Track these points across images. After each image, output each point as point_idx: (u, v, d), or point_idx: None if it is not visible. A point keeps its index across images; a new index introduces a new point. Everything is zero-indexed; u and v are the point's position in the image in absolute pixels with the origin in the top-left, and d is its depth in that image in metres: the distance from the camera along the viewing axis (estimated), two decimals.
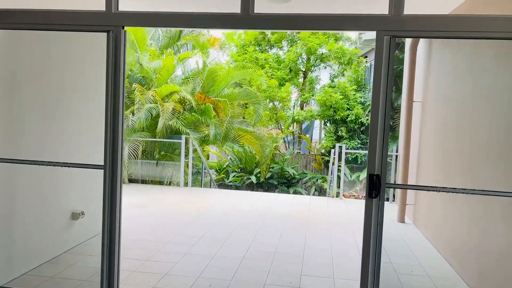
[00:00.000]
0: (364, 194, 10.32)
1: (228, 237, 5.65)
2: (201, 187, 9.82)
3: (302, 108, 15.59)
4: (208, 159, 16.55)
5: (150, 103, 9.10)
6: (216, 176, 14.26)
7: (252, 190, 14.05)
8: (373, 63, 16.10)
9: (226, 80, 10.38)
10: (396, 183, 8.04)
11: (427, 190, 5.62)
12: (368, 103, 13.67)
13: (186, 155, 9.29)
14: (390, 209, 7.44)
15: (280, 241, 5.58)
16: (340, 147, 8.99)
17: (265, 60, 14.72)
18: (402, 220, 6.93)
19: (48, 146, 4.29)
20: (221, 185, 14.72)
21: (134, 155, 8.85)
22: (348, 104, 13.51)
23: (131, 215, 6.62)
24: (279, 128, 15.20)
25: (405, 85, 8.29)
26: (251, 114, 14.79)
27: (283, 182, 14.17)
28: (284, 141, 15.74)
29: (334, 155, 9.15)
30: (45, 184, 4.34)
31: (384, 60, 2.96)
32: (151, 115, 8.67)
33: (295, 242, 5.60)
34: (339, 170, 9.26)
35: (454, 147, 5.29)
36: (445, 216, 5.41)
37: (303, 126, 16.75)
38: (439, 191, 5.33)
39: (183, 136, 9.07)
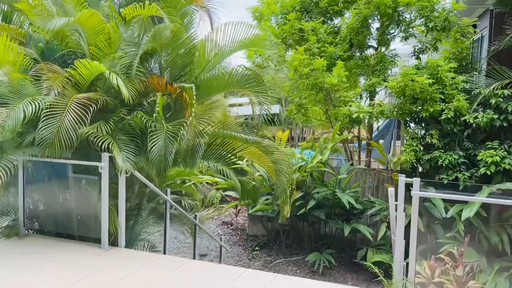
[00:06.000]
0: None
1: None
2: (163, 253, 5.53)
3: (371, 100, 10.52)
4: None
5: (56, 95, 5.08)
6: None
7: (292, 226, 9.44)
8: (486, 34, 10.36)
9: (212, 56, 5.98)
10: None
11: None
12: (479, 90, 8.17)
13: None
14: None
15: None
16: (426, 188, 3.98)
17: (312, 31, 9.96)
18: None
19: None
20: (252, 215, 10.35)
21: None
22: (442, 93, 8.22)
23: None
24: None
25: None
26: (321, 114, 10.24)
27: (338, 214, 9.37)
28: (345, 150, 10.82)
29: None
30: None
31: None
32: (24, 114, 4.58)
33: None
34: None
35: None
36: None
37: (375, 127, 11.61)
38: None
39: (105, 155, 4.90)
